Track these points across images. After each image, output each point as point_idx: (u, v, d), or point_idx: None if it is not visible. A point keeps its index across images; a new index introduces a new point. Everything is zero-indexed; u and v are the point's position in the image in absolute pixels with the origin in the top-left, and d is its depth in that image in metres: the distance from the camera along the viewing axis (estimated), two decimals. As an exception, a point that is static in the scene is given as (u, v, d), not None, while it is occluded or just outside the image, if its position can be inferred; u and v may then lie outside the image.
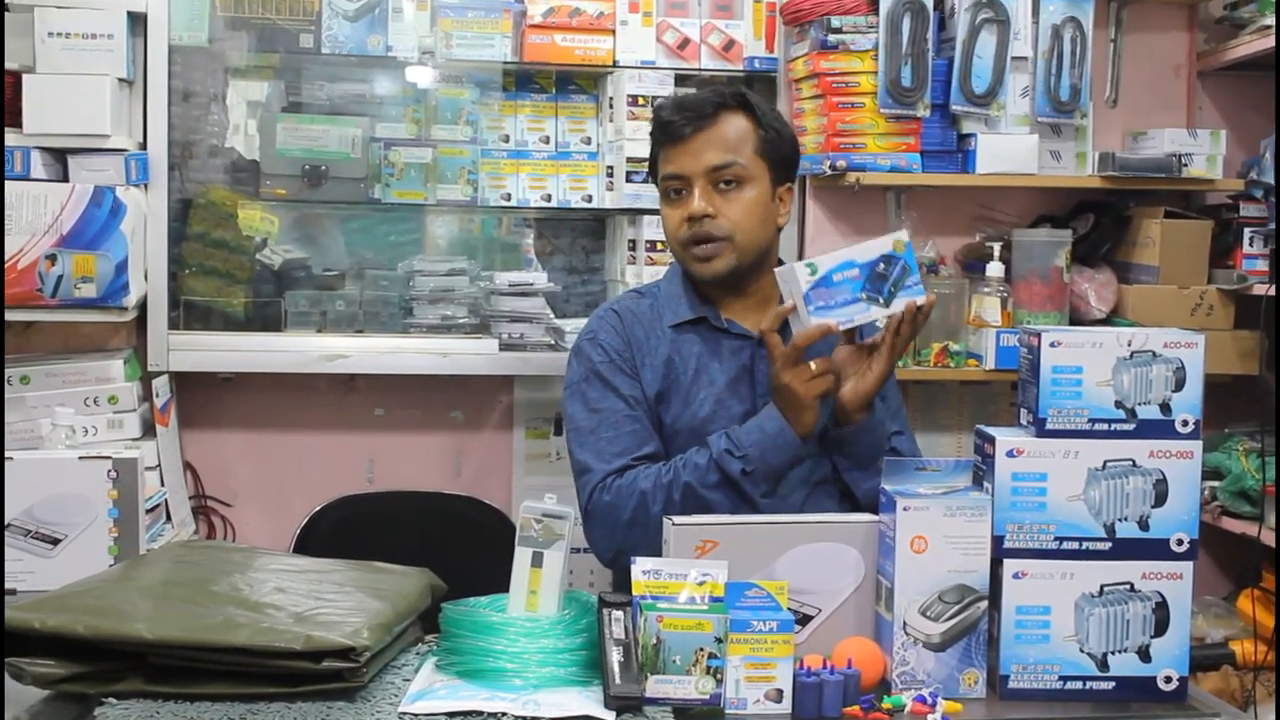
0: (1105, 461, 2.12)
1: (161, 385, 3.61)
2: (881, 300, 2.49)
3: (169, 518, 3.47)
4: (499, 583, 2.16)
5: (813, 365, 2.51)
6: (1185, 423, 2.14)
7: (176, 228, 3.81)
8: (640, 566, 2.07)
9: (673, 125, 2.69)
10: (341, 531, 3.40)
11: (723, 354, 2.72)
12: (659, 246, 3.90)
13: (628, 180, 3.93)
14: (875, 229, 3.97)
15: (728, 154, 2.67)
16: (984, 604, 2.11)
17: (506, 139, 4.10)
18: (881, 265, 2.50)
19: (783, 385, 2.52)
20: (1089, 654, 2.12)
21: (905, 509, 2.10)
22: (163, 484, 3.46)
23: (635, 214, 3.98)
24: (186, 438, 3.83)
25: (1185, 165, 3.81)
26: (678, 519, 2.19)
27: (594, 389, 2.71)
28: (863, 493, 2.62)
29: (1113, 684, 2.12)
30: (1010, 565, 2.12)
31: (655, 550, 2.25)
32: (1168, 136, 3.86)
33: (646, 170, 2.90)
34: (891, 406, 2.81)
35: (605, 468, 2.63)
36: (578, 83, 4.14)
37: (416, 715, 1.93)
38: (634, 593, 2.05)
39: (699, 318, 2.74)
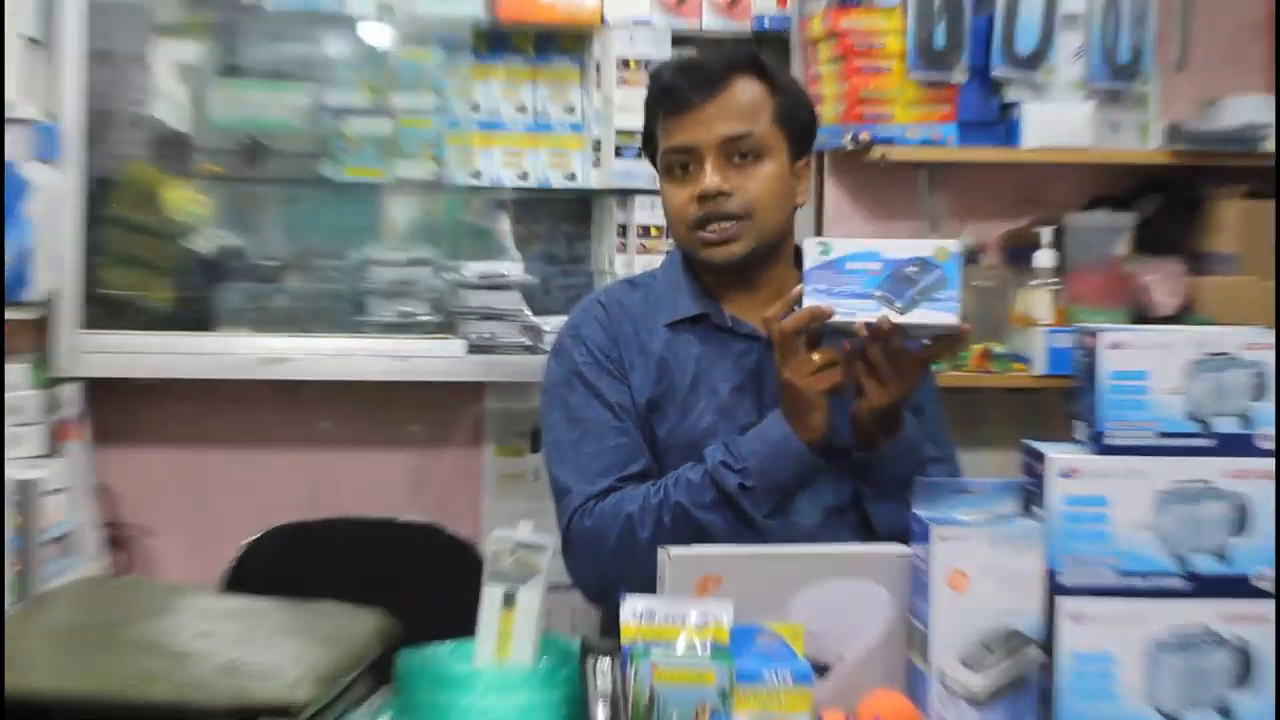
0: (1176, 483, 2.10)
1: (71, 394, 3.60)
2: (898, 305, 2.44)
3: (77, 550, 3.46)
4: (465, 626, 2.13)
5: (815, 356, 2.49)
6: (1269, 437, 2.12)
7: (92, 210, 3.80)
8: (630, 607, 2.05)
9: (678, 91, 2.70)
10: (280, 566, 3.39)
11: (726, 357, 2.72)
12: (653, 232, 3.90)
13: (617, 156, 3.94)
14: (904, 213, 3.96)
15: (743, 123, 2.69)
16: (1036, 652, 2.08)
17: (477, 108, 4.10)
18: (912, 268, 2.44)
19: (782, 381, 2.52)
20: (1160, 711, 2.09)
21: (942, 539, 2.08)
22: (71, 510, 3.45)
23: (626, 195, 3.99)
24: (100, 456, 3.82)
25: (1265, 137, 3.80)
26: (674, 550, 2.17)
27: (576, 395, 2.71)
28: (884, 528, 2.61)
29: (1187, 746, 2.10)
30: (1066, 605, 2.09)
31: (646, 585, 2.22)
32: (1245, 104, 3.86)
33: (640, 145, 2.90)
34: (930, 425, 2.79)
35: (587, 489, 2.63)
36: (560, 44, 4.14)
37: (366, 783, 1.91)
38: (623, 638, 2.03)
39: (699, 315, 2.73)
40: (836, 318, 2.45)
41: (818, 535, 2.64)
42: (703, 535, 2.51)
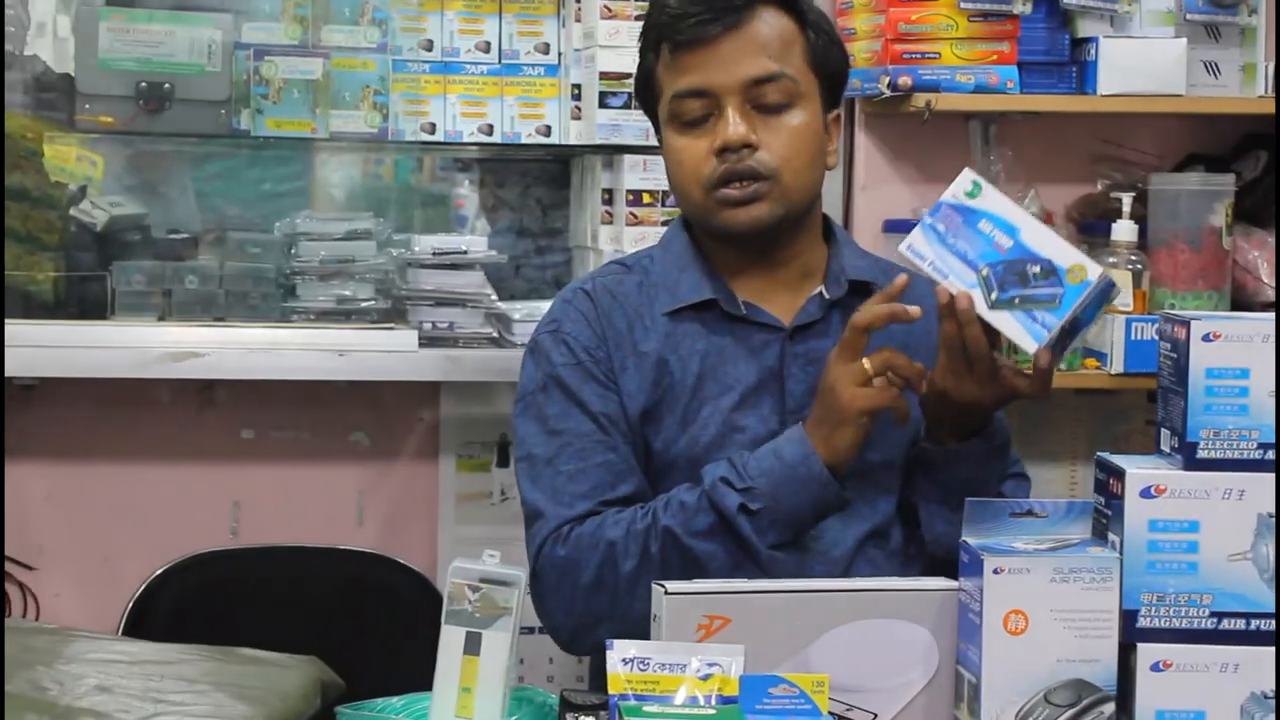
0: (1283, 504, 2.13)
1: (-65, 397, 3.60)
2: (993, 296, 2.47)
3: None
4: (419, 676, 2.15)
5: (866, 364, 2.51)
6: (1396, 449, 2.15)
7: (1, 183, 3.81)
8: (619, 653, 2.07)
9: (691, 20, 2.68)
10: (193, 605, 3.41)
11: (739, 352, 2.73)
12: (645, 199, 3.91)
13: (601, 105, 3.94)
14: (953, 171, 3.95)
15: (772, 62, 2.69)
16: (1110, 708, 2.11)
17: (429, 46, 4.11)
18: (1037, 269, 2.47)
19: (827, 385, 2.53)
20: (1260, 778, 2.13)
21: (997, 571, 2.11)
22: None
23: (613, 152, 3.99)
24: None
25: (1398, 81, 3.83)
26: (671, 585, 2.19)
27: (554, 402, 2.73)
28: (934, 536, 2.64)
29: (1293, 821, 2.13)
30: (1147, 653, 2.13)
31: (630, 627, 2.25)
32: (1372, 41, 3.88)
33: (634, 89, 2.89)
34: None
35: (564, 512, 2.65)
36: (531, -36, 4.15)
37: None
38: (611, 690, 2.05)
39: (707, 301, 2.74)
40: (928, 268, 2.49)
41: (851, 567, 2.66)
42: (697, 568, 2.52)
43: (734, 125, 2.66)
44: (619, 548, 2.58)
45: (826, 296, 2.74)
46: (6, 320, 3.79)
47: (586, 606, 2.60)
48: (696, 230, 2.81)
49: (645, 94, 2.82)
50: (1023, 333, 2.45)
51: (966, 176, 2.51)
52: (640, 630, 2.21)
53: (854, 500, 2.66)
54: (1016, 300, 2.45)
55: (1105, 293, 2.48)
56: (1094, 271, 2.44)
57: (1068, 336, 2.47)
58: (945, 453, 2.63)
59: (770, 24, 2.71)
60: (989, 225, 2.47)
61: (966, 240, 2.47)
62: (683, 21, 2.69)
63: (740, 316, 2.74)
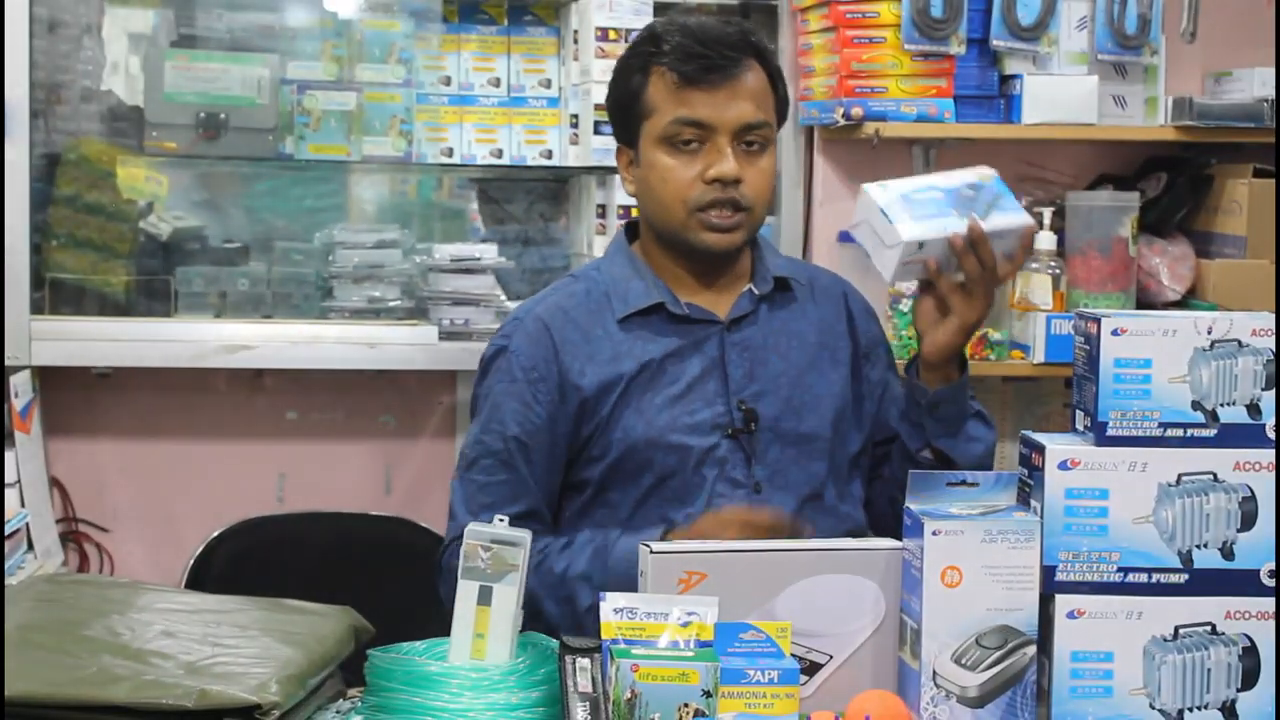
0: (1180, 475, 2.13)
1: (21, 383, 3.60)
2: (977, 217, 2.58)
3: (30, 546, 3.47)
4: (438, 624, 2.15)
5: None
6: (1278, 428, 2.15)
7: (41, 189, 3.80)
8: (611, 604, 2.08)
9: (703, 60, 2.67)
10: (245, 562, 3.40)
11: (684, 348, 2.71)
12: (634, 214, 3.90)
13: (596, 132, 3.93)
14: (899, 191, 3.97)
15: (759, 112, 2.70)
16: (1032, 650, 2.11)
17: (448, 81, 4.10)
18: (968, 190, 2.60)
19: (720, 520, 2.53)
20: (1161, 711, 2.12)
21: (935, 533, 2.11)
22: (23, 505, 3.46)
23: (605, 173, 3.98)
24: (53, 448, 3.83)
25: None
26: (656, 545, 2.19)
27: (484, 413, 2.73)
28: (963, 457, 2.70)
29: (1190, 748, 2.13)
30: (1064, 602, 2.12)
31: None
32: (1257, 77, 3.87)
33: (612, 105, 2.82)
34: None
35: (467, 520, 2.62)
36: (535, 12, 4.15)
37: (336, 787, 1.93)
38: (603, 636, 2.05)
39: (653, 306, 2.72)
40: (928, 234, 2.54)
41: (795, 522, 2.65)
42: (546, 628, 2.46)
43: (730, 161, 2.65)
44: None
45: (756, 292, 2.75)
46: (86, 318, 3.81)
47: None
48: (646, 239, 2.79)
49: (626, 111, 2.75)
50: (1015, 218, 2.62)
51: (875, 186, 2.58)
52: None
53: (789, 466, 2.69)
54: (987, 209, 2.59)
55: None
56: (987, 170, 2.64)
57: None
58: (952, 390, 2.69)
59: (756, 75, 2.70)
60: (919, 194, 2.58)
61: (923, 208, 2.56)
62: (697, 60, 2.66)
63: (683, 316, 2.73)
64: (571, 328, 2.72)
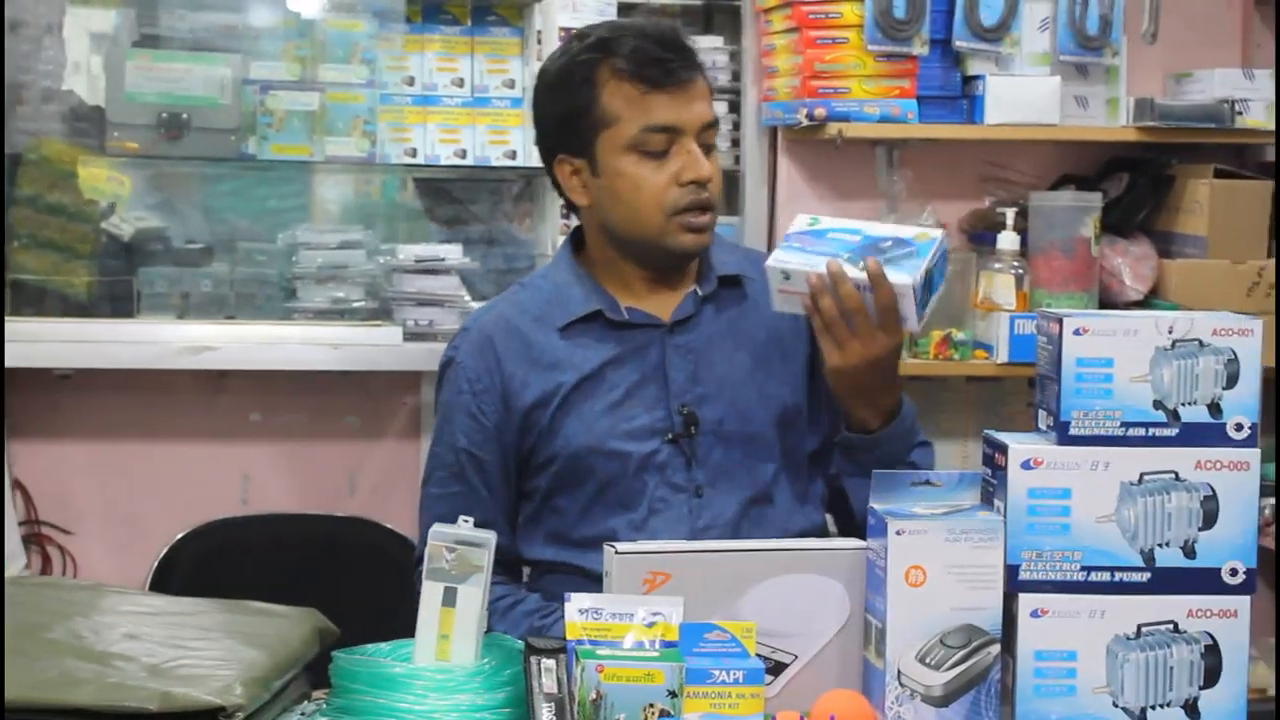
0: (1142, 474, 2.13)
1: (-17, 385, 3.58)
2: (859, 265, 2.46)
3: (-7, 548, 3.46)
4: (403, 626, 2.15)
5: None
6: (1239, 427, 2.15)
7: (2, 190, 3.78)
8: (576, 604, 2.08)
9: (667, 65, 2.64)
10: (209, 564, 3.40)
11: (625, 354, 2.70)
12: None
13: (560, 132, 3.93)
14: (862, 192, 3.99)
15: (711, 109, 2.70)
16: (995, 648, 2.12)
17: (411, 82, 4.10)
18: (887, 243, 2.48)
19: None
20: (1124, 709, 2.13)
21: (899, 533, 2.11)
22: (1, 507, 3.45)
23: (570, 173, 3.98)
24: (15, 450, 3.82)
25: (1239, 114, 3.84)
26: (621, 546, 2.19)
27: (439, 425, 2.75)
28: (862, 508, 2.63)
29: (1153, 745, 2.14)
30: (1027, 601, 2.13)
31: None
32: (1218, 78, 3.90)
33: (558, 111, 2.72)
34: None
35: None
36: (498, 12, 4.15)
37: (301, 789, 1.93)
38: (568, 636, 2.05)
39: (593, 313, 2.71)
40: (793, 265, 2.49)
41: (738, 529, 2.65)
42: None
43: (704, 163, 2.63)
44: None
45: (700, 293, 2.73)
46: (48, 319, 3.80)
47: None
48: (596, 248, 2.75)
49: (576, 122, 2.68)
50: (895, 273, 2.45)
51: (804, 218, 2.55)
52: None
53: (734, 469, 2.67)
54: (885, 260, 2.47)
55: (946, 254, 2.54)
56: (936, 233, 2.50)
57: (927, 291, 2.49)
58: (868, 439, 2.61)
59: (702, 77, 2.70)
60: (836, 234, 2.51)
61: (824, 244, 2.50)
62: (658, 65, 2.63)
63: (624, 322, 2.71)
64: (514, 337, 2.70)
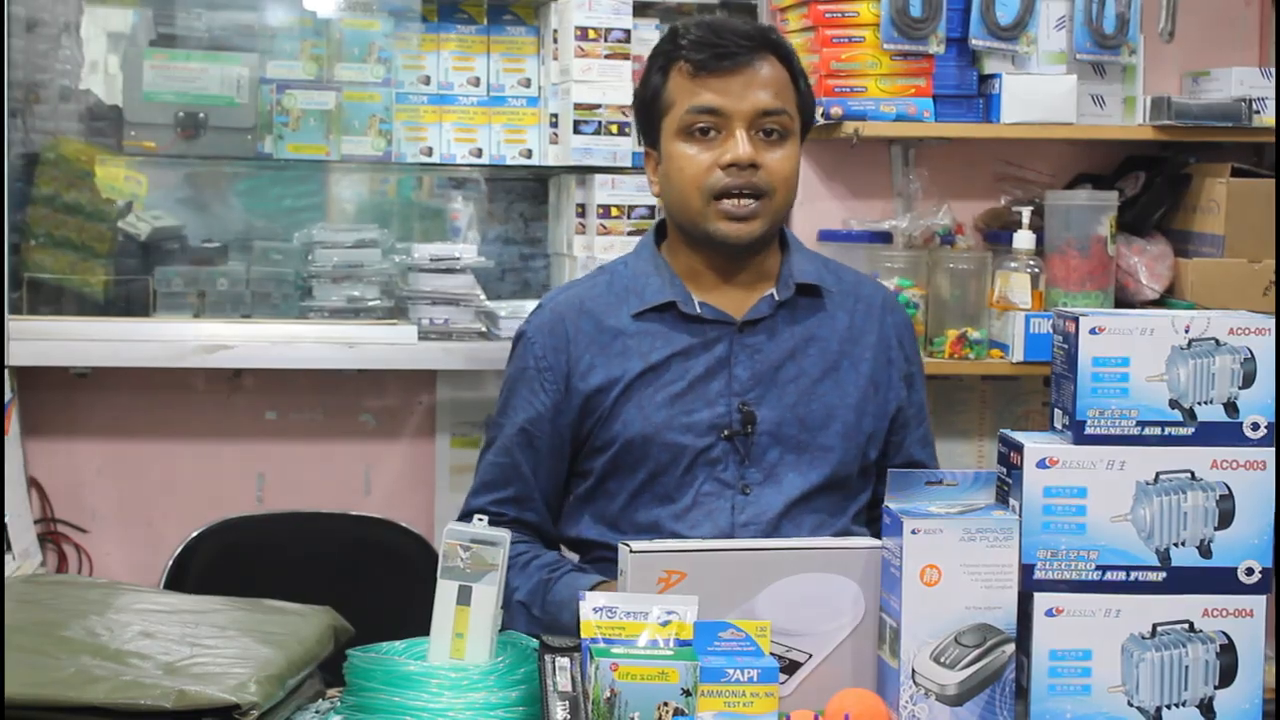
0: (1158, 474, 2.14)
1: None
2: None
3: (9, 547, 3.46)
4: (418, 624, 2.16)
5: None
6: (1256, 426, 2.16)
7: (19, 189, 3.80)
8: (590, 603, 2.08)
9: (716, 49, 2.68)
10: (223, 563, 3.40)
11: (693, 348, 2.72)
12: (614, 213, 3.91)
13: (576, 132, 3.94)
14: (878, 191, 3.99)
15: (777, 99, 2.70)
16: (1010, 648, 2.12)
17: (427, 81, 4.11)
18: None
19: None
20: (1139, 709, 2.13)
21: (914, 532, 2.11)
22: (1, 507, 3.45)
23: (585, 173, 3.99)
24: (31, 448, 3.82)
25: (1257, 112, 3.83)
26: (635, 544, 2.19)
27: (502, 398, 2.81)
28: None
29: (1168, 745, 2.14)
30: (1042, 600, 2.13)
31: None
32: (1235, 77, 3.88)
33: (637, 103, 2.84)
34: (924, 427, 2.88)
35: (472, 502, 2.76)
36: (514, 11, 4.15)
37: (315, 787, 1.93)
38: (583, 635, 2.05)
39: (667, 304, 2.73)
40: None
41: (780, 528, 2.67)
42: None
43: (744, 145, 2.66)
44: None
45: (776, 298, 2.75)
46: (64, 318, 3.80)
47: None
48: (671, 237, 2.80)
49: (648, 111, 2.77)
50: None
51: None
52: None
53: (787, 471, 2.68)
54: None
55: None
56: None
57: None
58: None
59: (774, 68, 2.71)
60: None
61: None
62: (709, 49, 2.68)
63: (696, 316, 2.74)
64: (586, 319, 2.75)
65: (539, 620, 2.56)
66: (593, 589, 2.48)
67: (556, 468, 2.75)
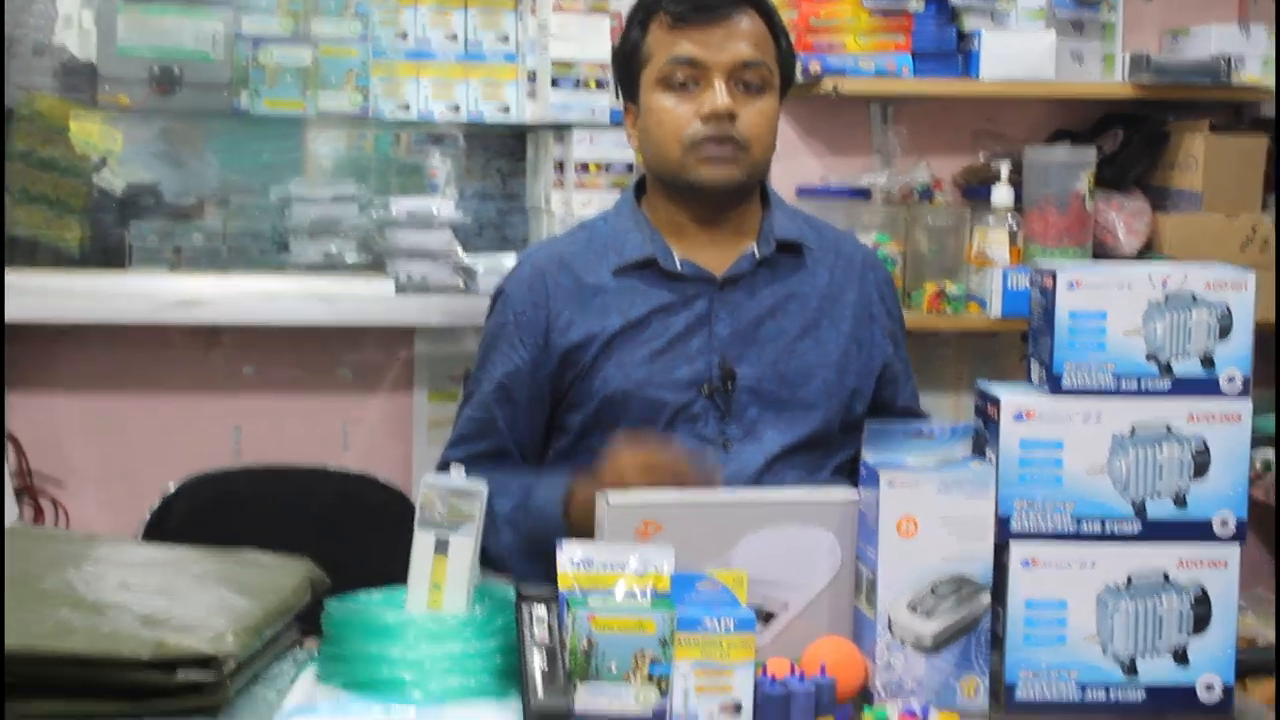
0: (1134, 426, 2.15)
1: (-25, 338, 3.59)
2: None
3: (-13, 501, 3.46)
4: (395, 575, 2.16)
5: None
6: (1231, 379, 2.16)
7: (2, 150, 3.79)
8: (568, 554, 2.08)
9: (697, 2, 2.69)
10: (201, 516, 3.39)
11: (673, 304, 2.72)
12: (592, 168, 3.91)
13: (554, 87, 3.93)
14: (856, 148, 3.99)
15: (756, 51, 2.70)
16: (986, 598, 2.13)
17: (404, 36, 4.10)
18: None
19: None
20: (1114, 657, 2.14)
21: (890, 484, 2.12)
22: (2, 461, 3.45)
23: (563, 129, 3.98)
24: (8, 403, 3.82)
25: (1235, 70, 3.84)
26: (613, 496, 2.20)
27: (480, 354, 2.81)
28: None
29: (1142, 693, 2.15)
30: (1018, 551, 2.14)
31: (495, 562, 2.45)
32: (1214, 34, 3.89)
33: (616, 59, 2.85)
34: (910, 386, 2.90)
35: (448, 454, 2.75)
36: (492, -33, 4.14)
37: (293, 737, 1.93)
38: (560, 586, 2.06)
39: (647, 260, 2.73)
40: None
41: (762, 478, 2.67)
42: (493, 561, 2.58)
43: (722, 96, 2.65)
44: None
45: (757, 255, 2.75)
46: (42, 273, 3.80)
47: None
48: (651, 192, 2.80)
49: (628, 64, 2.77)
50: None
51: None
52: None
53: (766, 428, 2.69)
54: None
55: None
56: None
57: None
58: None
59: (754, 21, 2.71)
60: None
61: None
62: (688, 2, 2.68)
63: (676, 273, 2.74)
64: (566, 275, 2.75)
65: (527, 532, 2.59)
66: (572, 485, 2.52)
67: (535, 422, 2.75)
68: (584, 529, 2.36)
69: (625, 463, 2.47)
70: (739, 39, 2.69)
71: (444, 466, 2.62)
